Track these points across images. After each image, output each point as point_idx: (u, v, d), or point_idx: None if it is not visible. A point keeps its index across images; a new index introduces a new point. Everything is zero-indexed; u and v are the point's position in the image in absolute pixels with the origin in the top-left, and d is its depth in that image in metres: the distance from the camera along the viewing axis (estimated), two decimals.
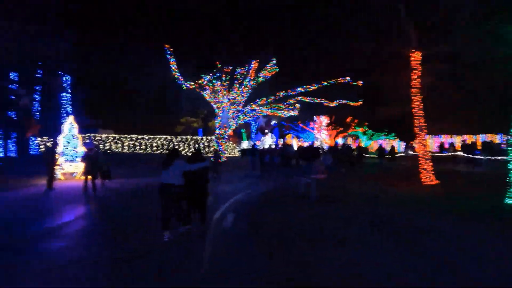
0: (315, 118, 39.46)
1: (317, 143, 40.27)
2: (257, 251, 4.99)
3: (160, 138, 36.40)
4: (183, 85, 20.10)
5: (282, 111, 23.44)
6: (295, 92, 21.89)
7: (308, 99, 22.55)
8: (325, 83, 21.03)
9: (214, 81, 20.62)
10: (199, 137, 37.37)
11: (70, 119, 14.92)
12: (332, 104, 22.90)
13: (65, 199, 9.68)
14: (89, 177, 10.62)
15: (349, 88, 21.56)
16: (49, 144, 12.31)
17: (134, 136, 36.12)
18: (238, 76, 21.43)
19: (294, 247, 5.17)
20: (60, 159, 13.68)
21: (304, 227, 6.52)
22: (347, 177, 14.86)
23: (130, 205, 8.83)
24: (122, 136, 35.90)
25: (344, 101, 23.16)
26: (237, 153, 33.30)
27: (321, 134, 45.17)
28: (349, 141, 49.08)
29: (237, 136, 39.19)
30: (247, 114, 23.27)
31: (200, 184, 5.74)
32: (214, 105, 22.47)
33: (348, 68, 21.73)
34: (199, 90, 21.34)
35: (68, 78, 17.74)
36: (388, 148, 27.35)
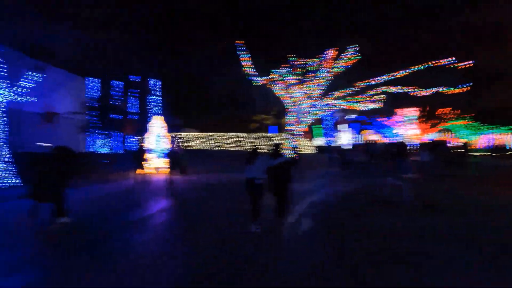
0: (393, 111, 35.23)
1: (401, 140, 35.93)
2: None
3: (236, 136, 37.90)
4: (255, 81, 20.10)
5: (361, 104, 21.45)
6: (379, 81, 19.60)
7: (396, 89, 20.01)
8: (419, 67, 18.10)
9: (287, 75, 20.03)
10: (272, 134, 37.57)
11: (159, 118, 16.44)
12: (425, 93, 19.78)
13: (152, 192, 10.58)
14: (172, 172, 11.43)
15: (447, 72, 18.18)
16: (139, 142, 13.76)
17: (212, 134, 38.47)
18: (313, 68, 20.39)
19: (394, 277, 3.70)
20: (150, 155, 15.21)
21: (400, 244, 4.76)
22: (451, 179, 12.50)
23: (209, 198, 9.07)
24: (201, 134, 38.68)
25: (441, 89, 19.63)
26: (310, 150, 32.19)
27: (406, 129, 40.38)
28: (444, 136, 42.62)
29: (310, 133, 38.02)
30: (322, 108, 22.04)
31: (282, 179, 5.81)
32: (286, 101, 21.98)
33: (447, 47, 18.05)
34: (270, 86, 21.14)
35: (158, 81, 19.60)
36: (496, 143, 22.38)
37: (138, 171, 12.13)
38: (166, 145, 16.38)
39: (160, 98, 20.19)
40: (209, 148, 37.49)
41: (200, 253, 4.58)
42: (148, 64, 19.57)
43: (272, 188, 5.73)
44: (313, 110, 21.81)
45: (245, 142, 37.21)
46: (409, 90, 19.92)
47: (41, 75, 10.45)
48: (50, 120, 12.67)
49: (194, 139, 38.21)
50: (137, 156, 12.24)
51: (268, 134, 37.81)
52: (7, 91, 11.27)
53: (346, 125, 33.07)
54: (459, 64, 16.52)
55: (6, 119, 11.21)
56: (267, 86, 21.15)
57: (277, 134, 37.28)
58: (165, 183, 11.48)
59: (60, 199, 6.14)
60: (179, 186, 11.40)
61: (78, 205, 8.21)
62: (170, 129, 33.83)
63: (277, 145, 6.23)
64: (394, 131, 41.43)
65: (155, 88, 19.71)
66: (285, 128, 22.85)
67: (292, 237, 5.33)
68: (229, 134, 38.10)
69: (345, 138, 32.81)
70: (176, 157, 11.56)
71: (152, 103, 19.76)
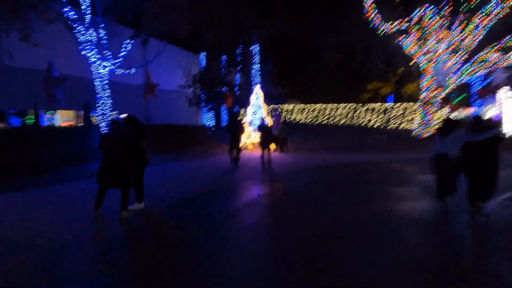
0: None
1: None
2: None
3: (344, 107, 33.40)
4: (381, 29, 15.05)
5: None
6: None
7: None
8: None
9: (428, 17, 14.13)
10: (390, 104, 31.19)
11: (256, 88, 14.59)
12: None
13: (247, 172, 8.84)
14: (267, 148, 9.40)
15: None
16: (235, 115, 12.15)
17: (318, 105, 35.09)
18: (466, 8, 13.94)
19: None
20: (249, 129, 13.67)
21: None
22: None
23: (315, 193, 6.58)
24: (307, 105, 35.80)
25: None
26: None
27: None
28: None
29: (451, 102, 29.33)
30: (482, 65, 15.38)
31: (486, 157, 4.77)
32: (420, 59, 16.32)
33: None
34: (399, 39, 15.87)
35: (256, 47, 17.61)
36: None
37: (235, 146, 10.53)
38: (266, 117, 14.54)
39: (259, 65, 18.17)
40: (315, 122, 34.46)
41: None
42: (250, 30, 17.55)
43: (468, 167, 4.87)
44: (464, 68, 15.47)
45: (356, 114, 32.31)
46: None
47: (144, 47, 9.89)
48: (151, 91, 12.43)
49: (298, 111, 35.82)
50: (232, 130, 10.66)
51: (383, 104, 31.62)
52: (109, 63, 11.29)
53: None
54: None
55: (109, 91, 11.32)
56: (395, 39, 15.90)
57: (403, 104, 30.64)
58: (260, 161, 9.61)
59: (128, 182, 4.88)
60: (273, 169, 9.30)
61: (160, 185, 7.12)
62: (271, 101, 32.51)
63: (448, 120, 5.16)
64: None
65: (256, 55, 17.79)
66: (419, 97, 17.36)
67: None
68: (337, 105, 33.86)
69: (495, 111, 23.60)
70: (268, 131, 9.40)
71: (254, 72, 18.05)
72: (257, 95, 14.50)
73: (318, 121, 34.23)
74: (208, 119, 21.83)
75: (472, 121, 5.04)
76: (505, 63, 15.94)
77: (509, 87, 22.05)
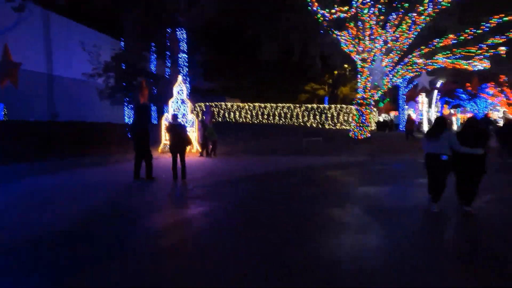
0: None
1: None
2: None
3: (283, 107, 32.78)
4: (320, 15, 13.67)
5: (470, 62, 14.50)
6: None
7: None
8: None
9: (365, 11, 13.21)
10: (326, 106, 31.59)
11: (178, 80, 12.14)
12: None
13: (153, 191, 6.44)
14: (180, 154, 7.17)
15: None
16: (144, 111, 9.45)
17: (257, 104, 33.81)
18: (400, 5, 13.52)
19: None
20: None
21: None
22: None
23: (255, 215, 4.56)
24: (245, 104, 34.27)
25: None
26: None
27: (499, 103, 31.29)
28: None
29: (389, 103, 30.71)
30: (409, 68, 15.49)
31: (474, 159, 4.74)
32: (356, 58, 15.83)
33: None
34: (336, 34, 15.01)
35: (183, 33, 15.04)
36: None
37: (142, 154, 7.87)
38: (189, 114, 12.19)
39: (186, 56, 15.65)
40: (253, 121, 33.12)
41: None
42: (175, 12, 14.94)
43: (458, 167, 4.86)
44: (397, 69, 15.37)
45: (294, 114, 31.94)
46: None
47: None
48: (10, 76, 8.82)
49: (237, 110, 34.05)
50: (135, 131, 8.04)
51: (320, 105, 31.95)
52: None
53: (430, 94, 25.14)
54: None
55: None
56: (333, 34, 14.96)
57: (330, 106, 31.18)
58: (171, 170, 7.30)
59: None
60: (187, 183, 7.08)
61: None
62: (207, 98, 30.00)
63: (440, 120, 5.11)
64: (489, 104, 32.37)
65: (182, 41, 15.19)
66: (356, 97, 16.85)
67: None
68: (275, 105, 33.07)
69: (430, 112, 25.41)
70: (179, 131, 7.17)
71: (179, 62, 15.40)
72: (179, 87, 12.04)
73: (256, 121, 32.97)
74: (130, 116, 18.41)
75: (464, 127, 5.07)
76: (429, 68, 16.50)
77: (431, 91, 23.76)
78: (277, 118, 32.55)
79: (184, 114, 11.90)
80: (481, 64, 14.95)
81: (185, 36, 15.46)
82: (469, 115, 29.39)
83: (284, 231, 4.11)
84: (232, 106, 34.23)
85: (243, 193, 6.40)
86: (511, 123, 10.42)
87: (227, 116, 33.54)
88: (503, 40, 13.64)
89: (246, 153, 12.83)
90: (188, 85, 16.25)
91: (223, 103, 34.48)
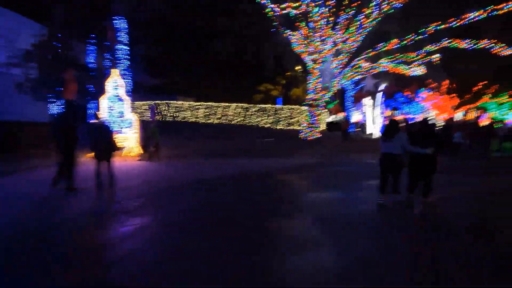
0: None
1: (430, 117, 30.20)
2: None
3: (237, 107, 32.17)
4: (269, 8, 13.13)
5: (410, 67, 15.39)
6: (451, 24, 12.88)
7: (464, 44, 13.85)
8: None
9: (315, 11, 13.09)
10: (279, 106, 31.76)
11: (114, 73, 10.70)
12: (507, 52, 13.58)
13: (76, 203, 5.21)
14: (106, 161, 6.03)
15: None
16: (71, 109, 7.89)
17: (210, 103, 32.67)
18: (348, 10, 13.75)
19: None
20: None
21: None
22: None
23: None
24: (198, 103, 32.90)
25: None
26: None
27: (435, 105, 34.60)
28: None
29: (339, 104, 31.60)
30: (357, 70, 15.93)
31: (426, 159, 5.15)
32: (307, 58, 15.82)
33: None
34: (287, 33, 14.78)
35: (124, 23, 13.46)
36: None
37: (66, 159, 6.44)
38: (128, 114, 10.82)
39: (127, 48, 14.09)
40: (207, 121, 31.91)
41: None
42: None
43: (411, 166, 5.33)
44: (345, 71, 15.67)
45: (247, 114, 31.53)
46: (489, 44, 13.68)
47: None
48: None
49: (189, 109, 32.50)
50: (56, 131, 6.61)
51: (273, 106, 32.06)
52: None
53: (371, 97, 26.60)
54: None
55: None
56: (285, 33, 14.70)
57: (283, 106, 31.45)
58: (95, 179, 6.09)
59: None
60: (114, 193, 5.96)
61: None
62: (156, 96, 28.03)
63: (393, 122, 5.63)
64: (423, 108, 35.53)
65: (122, 31, 13.58)
66: (306, 97, 16.85)
67: None
68: (229, 104, 32.31)
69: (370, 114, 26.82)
70: (103, 133, 6.03)
71: (119, 54, 13.73)
72: (115, 82, 10.59)
73: (210, 121, 31.81)
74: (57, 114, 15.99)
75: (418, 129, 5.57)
76: (374, 71, 17.26)
77: (375, 94, 25.15)
78: (231, 118, 31.82)
79: (121, 113, 10.49)
80: (418, 70, 15.98)
81: (126, 26, 13.85)
82: (410, 117, 31.99)
83: (222, 260, 3.38)
84: (184, 105, 32.59)
85: (181, 205, 5.52)
86: (448, 124, 11.10)
87: (178, 115, 31.88)
88: (438, 47, 14.71)
89: (196, 156, 11.86)
90: (130, 80, 14.68)
91: (174, 101, 32.66)
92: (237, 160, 10.95)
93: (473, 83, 31.45)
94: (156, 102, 23.99)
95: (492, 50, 13.66)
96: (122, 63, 13.78)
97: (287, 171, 8.90)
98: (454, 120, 24.50)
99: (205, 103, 32.36)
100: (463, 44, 14.10)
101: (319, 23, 13.76)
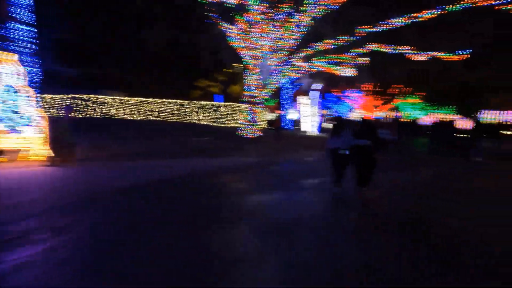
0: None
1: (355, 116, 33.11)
2: None
3: (174, 103, 30.30)
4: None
5: (342, 68, 16.17)
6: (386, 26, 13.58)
7: (388, 48, 15.04)
8: (452, 8, 12.52)
9: (253, 2, 12.54)
10: (217, 103, 30.96)
11: (4, 59, 8.56)
12: (421, 58, 15.22)
13: None
14: None
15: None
16: None
17: (141, 99, 30.07)
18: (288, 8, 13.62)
19: None
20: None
21: None
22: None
23: None
24: (128, 98, 29.95)
25: (440, 54, 15.14)
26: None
27: (359, 105, 37.99)
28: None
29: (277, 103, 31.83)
30: (295, 69, 16.06)
31: (366, 152, 5.92)
32: (245, 54, 15.36)
33: None
34: (224, 25, 14.08)
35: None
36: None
37: None
38: (28, 108, 8.80)
39: (31, 29, 11.65)
40: (138, 118, 29.25)
41: None
42: None
43: (355, 159, 6.00)
44: (284, 68, 15.65)
45: (185, 111, 29.95)
46: (407, 50, 15.12)
47: None
48: None
49: (117, 105, 29.33)
50: None
51: (212, 103, 31.17)
52: None
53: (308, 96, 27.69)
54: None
55: None
56: (220, 26, 13.95)
57: (224, 104, 30.81)
58: None
59: None
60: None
61: None
62: (67, 88, 24.39)
63: (338, 119, 6.51)
64: (351, 107, 38.60)
65: (21, 9, 11.09)
66: (244, 94, 16.40)
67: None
68: (165, 100, 30.22)
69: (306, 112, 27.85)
70: None
71: (15, 35, 11.18)
72: (9, 69, 8.47)
73: (143, 118, 29.21)
74: None
75: (361, 124, 6.44)
76: (310, 71, 17.75)
77: (311, 93, 26.19)
78: (167, 115, 29.75)
79: (15, 108, 8.44)
80: (348, 71, 16.92)
81: (30, 2, 11.36)
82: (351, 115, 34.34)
83: None
84: (111, 100, 29.27)
85: (89, 223, 4.41)
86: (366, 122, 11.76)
87: (107, 112, 28.59)
88: (366, 51, 15.72)
89: (121, 157, 10.33)
90: (37, 69, 12.18)
91: (99, 96, 29.09)
92: (169, 161, 9.87)
93: (393, 85, 35.34)
94: (79, 96, 20.88)
95: (408, 55, 15.16)
96: (21, 47, 11.29)
97: (223, 172, 8.26)
98: (381, 118, 26.81)
99: (138, 99, 29.64)
100: (387, 49, 15.30)
101: (257, 17, 13.34)
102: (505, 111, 37.41)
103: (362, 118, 7.20)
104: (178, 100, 30.33)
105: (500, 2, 11.20)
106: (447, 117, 36.99)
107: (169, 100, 29.99)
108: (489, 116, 36.58)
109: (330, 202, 5.85)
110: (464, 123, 15.34)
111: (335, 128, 6.11)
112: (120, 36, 26.35)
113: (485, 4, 11.58)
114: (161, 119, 29.30)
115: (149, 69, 36.62)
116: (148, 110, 29.47)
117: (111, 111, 29.08)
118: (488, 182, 8.23)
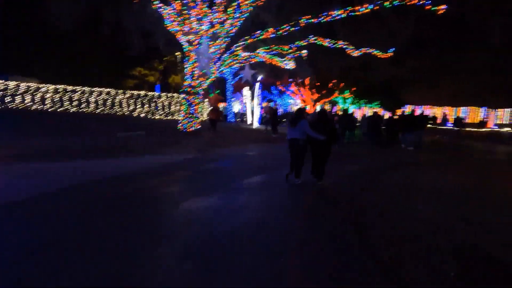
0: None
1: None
2: None
3: (101, 93, 26.94)
4: None
5: (284, 60, 15.84)
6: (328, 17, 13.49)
7: (326, 42, 15.12)
8: (385, 4, 12.87)
9: None
10: (156, 94, 28.56)
11: None
12: (355, 54, 15.71)
13: None
14: None
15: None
16: None
17: (60, 87, 26.06)
18: None
19: None
20: None
21: None
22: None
23: None
24: (44, 86, 25.65)
25: (371, 51, 15.85)
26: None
27: (298, 99, 39.07)
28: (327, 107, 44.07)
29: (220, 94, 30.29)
30: (236, 58, 15.16)
31: (320, 144, 6.12)
32: (182, 39, 13.92)
33: None
34: (156, 5, 12.49)
35: None
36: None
37: None
38: None
39: None
40: (58, 109, 25.24)
41: None
42: None
43: (311, 149, 6.31)
44: (225, 57, 14.63)
45: (115, 101, 26.88)
46: (343, 45, 15.43)
47: None
48: None
49: (28, 93, 24.84)
50: None
51: (149, 93, 28.69)
52: None
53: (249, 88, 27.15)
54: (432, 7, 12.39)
55: None
56: (153, 6, 12.24)
57: (161, 94, 28.59)
58: None
59: None
60: None
61: None
62: None
63: (322, 112, 6.80)
64: (290, 100, 39.44)
65: None
66: (183, 84, 14.92)
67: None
68: (90, 89, 26.65)
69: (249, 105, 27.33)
70: None
71: None
72: None
73: (62, 109, 25.23)
74: None
75: (317, 115, 6.55)
76: (252, 61, 17.10)
77: (253, 84, 25.66)
78: (93, 106, 26.24)
79: None
80: (290, 63, 16.72)
81: None
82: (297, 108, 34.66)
83: None
84: (20, 87, 24.62)
85: None
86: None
87: (14, 101, 24.08)
88: (306, 43, 15.62)
89: (26, 159, 8.22)
90: None
91: (3, 81, 24.22)
92: (86, 162, 8.18)
93: (329, 79, 36.92)
94: None
95: (346, 50, 15.54)
96: None
97: (154, 174, 7.06)
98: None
99: (55, 86, 25.49)
100: (325, 42, 15.42)
101: None
102: (422, 106, 42.55)
103: (320, 110, 7.44)
104: (108, 89, 26.99)
105: (429, 1, 12.01)
106: (376, 110, 40.47)
107: (98, 89, 26.47)
108: (409, 110, 40.96)
109: (273, 206, 5.21)
110: (391, 116, 16.65)
111: (292, 119, 6.27)
112: (21, 10, 21.99)
113: (418, 2, 12.32)
114: (87, 111, 25.75)
115: (64, 51, 31.75)
116: (70, 100, 25.56)
117: (22, 101, 24.49)
118: (417, 170, 8.68)
